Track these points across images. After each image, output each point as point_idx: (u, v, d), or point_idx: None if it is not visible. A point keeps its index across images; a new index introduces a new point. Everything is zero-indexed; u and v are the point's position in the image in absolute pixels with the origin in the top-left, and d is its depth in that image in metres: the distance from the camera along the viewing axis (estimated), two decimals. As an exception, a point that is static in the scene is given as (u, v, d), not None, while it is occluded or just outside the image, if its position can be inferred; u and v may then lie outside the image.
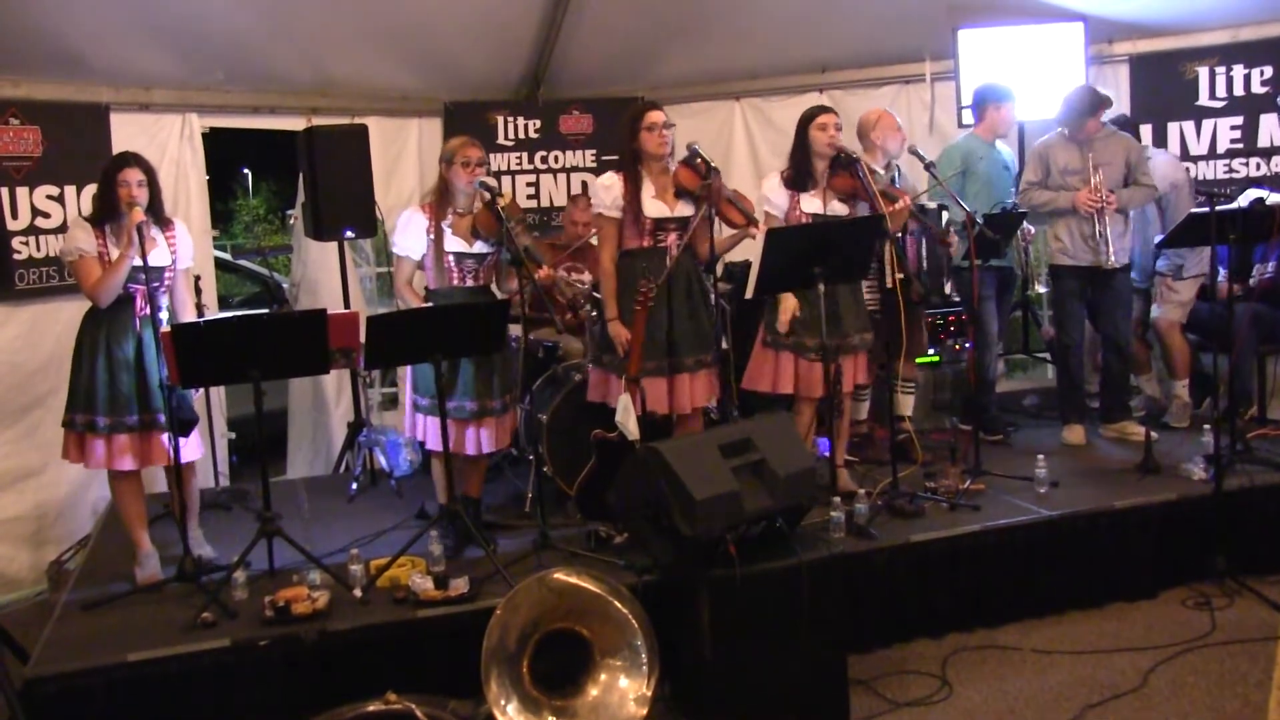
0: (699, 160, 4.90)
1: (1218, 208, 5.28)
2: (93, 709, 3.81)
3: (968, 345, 6.26)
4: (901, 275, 5.26)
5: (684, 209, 4.98)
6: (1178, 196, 6.39)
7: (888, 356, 5.43)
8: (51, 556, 5.75)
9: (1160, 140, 7.03)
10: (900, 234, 5.38)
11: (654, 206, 4.95)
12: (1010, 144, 7.21)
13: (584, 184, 7.38)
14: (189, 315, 4.86)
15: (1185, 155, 7.00)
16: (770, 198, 5.23)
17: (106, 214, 4.61)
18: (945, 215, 5.75)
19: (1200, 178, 6.95)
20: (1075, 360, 6.22)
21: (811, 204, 5.20)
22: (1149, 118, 6.97)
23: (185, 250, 4.83)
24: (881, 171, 5.63)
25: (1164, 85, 6.93)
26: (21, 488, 5.83)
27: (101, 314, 4.63)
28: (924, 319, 5.96)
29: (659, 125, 4.91)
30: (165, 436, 4.59)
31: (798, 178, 5.21)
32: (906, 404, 6.10)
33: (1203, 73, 6.95)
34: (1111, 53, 7.15)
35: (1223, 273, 5.86)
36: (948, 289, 6.01)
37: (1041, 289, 7.04)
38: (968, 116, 6.83)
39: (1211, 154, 6.97)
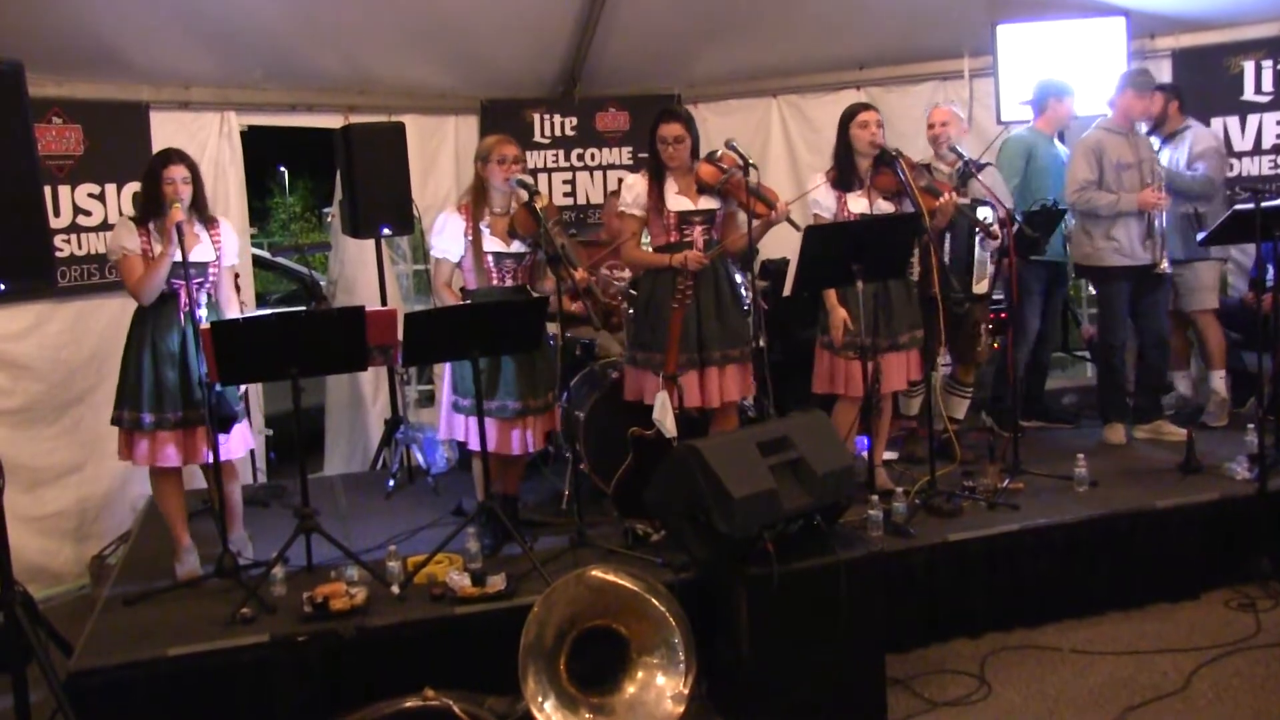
0: (722, 155, 4.93)
1: (1263, 204, 5.20)
2: (135, 702, 3.85)
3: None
4: (921, 270, 5.22)
5: (707, 203, 5.01)
6: (1209, 165, 6.27)
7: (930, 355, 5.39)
8: (93, 551, 5.80)
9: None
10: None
11: (677, 201, 4.98)
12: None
13: (620, 181, 7.39)
14: (234, 312, 4.89)
15: (1230, 151, 6.88)
16: (819, 200, 5.22)
17: (151, 211, 4.66)
18: (979, 211, 5.69)
19: (1244, 174, 6.85)
20: (1120, 360, 6.14)
21: (858, 204, 5.18)
22: (1192, 113, 6.86)
23: (230, 247, 4.87)
24: (945, 168, 5.62)
25: (1208, 80, 6.82)
26: (64, 483, 5.89)
27: (148, 311, 4.68)
28: (982, 323, 5.88)
29: (670, 139, 4.95)
30: (208, 432, 4.62)
31: (843, 178, 5.20)
32: (960, 407, 6.07)
33: (1248, 67, 6.83)
34: (1154, 48, 7.05)
35: (1270, 270, 5.79)
36: (980, 287, 5.94)
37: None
38: (1009, 113, 6.77)
39: (1257, 149, 6.85)
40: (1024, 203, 5.91)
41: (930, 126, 5.82)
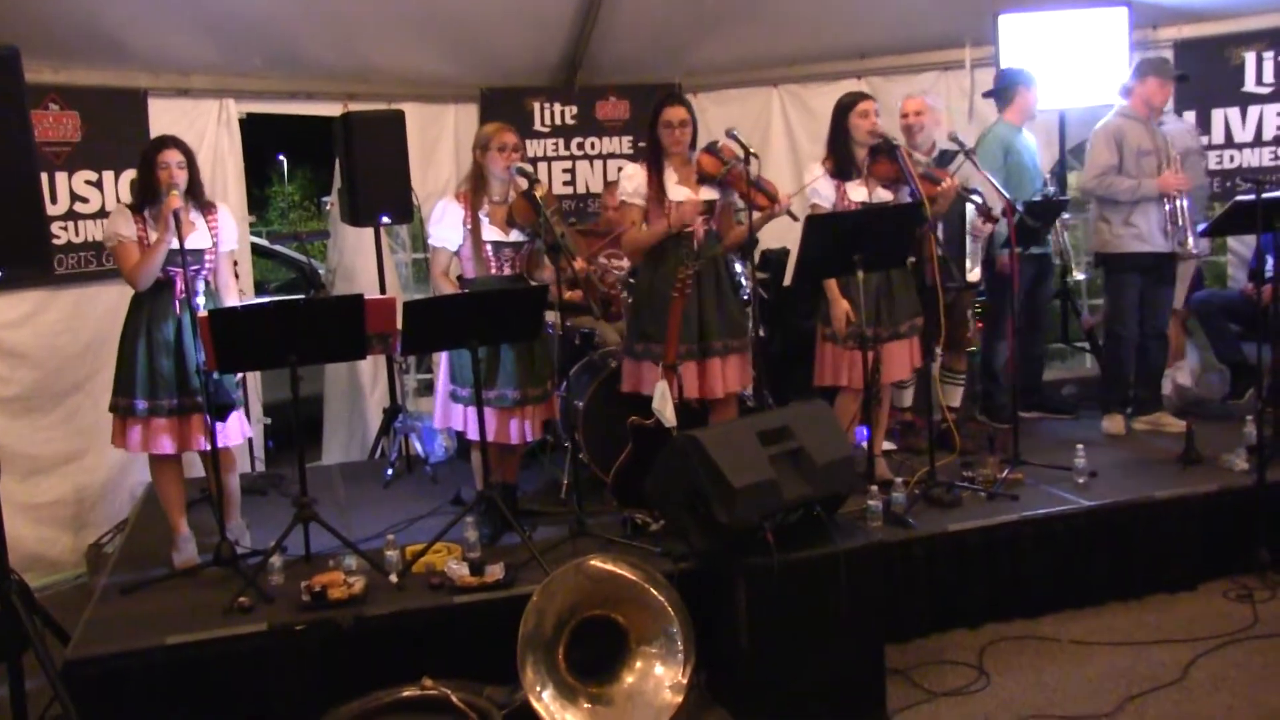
0: (721, 145, 4.92)
1: (1264, 195, 5.18)
2: (131, 691, 3.84)
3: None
4: (913, 259, 5.21)
5: (708, 194, 4.99)
6: (1187, 164, 6.28)
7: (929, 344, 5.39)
8: (91, 540, 5.80)
9: (1204, 128, 6.93)
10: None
11: (678, 192, 4.95)
12: (1051, 131, 7.16)
13: (619, 170, 7.38)
14: (233, 298, 4.87)
15: (1230, 142, 6.90)
16: (819, 190, 5.19)
17: (147, 198, 4.64)
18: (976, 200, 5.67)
19: (1245, 165, 6.84)
20: (1127, 350, 6.12)
21: (858, 193, 5.16)
22: (1193, 104, 6.87)
23: (228, 233, 4.85)
24: (922, 158, 5.61)
25: (1209, 71, 6.81)
26: (62, 472, 5.88)
27: (144, 298, 4.67)
28: (971, 311, 5.88)
29: (675, 123, 4.91)
30: (204, 420, 4.61)
31: (841, 167, 5.17)
32: (954, 395, 6.05)
33: (1249, 58, 6.83)
34: (1156, 38, 7.03)
35: (1270, 261, 5.79)
36: (973, 275, 5.92)
37: (1080, 276, 6.97)
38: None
39: (1258, 141, 6.85)
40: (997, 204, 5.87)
41: (904, 116, 5.80)
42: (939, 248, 5.25)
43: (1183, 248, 5.90)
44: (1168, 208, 5.83)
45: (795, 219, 4.83)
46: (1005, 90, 6.24)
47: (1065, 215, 6.28)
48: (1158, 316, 6.11)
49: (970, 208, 5.54)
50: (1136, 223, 5.88)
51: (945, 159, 5.76)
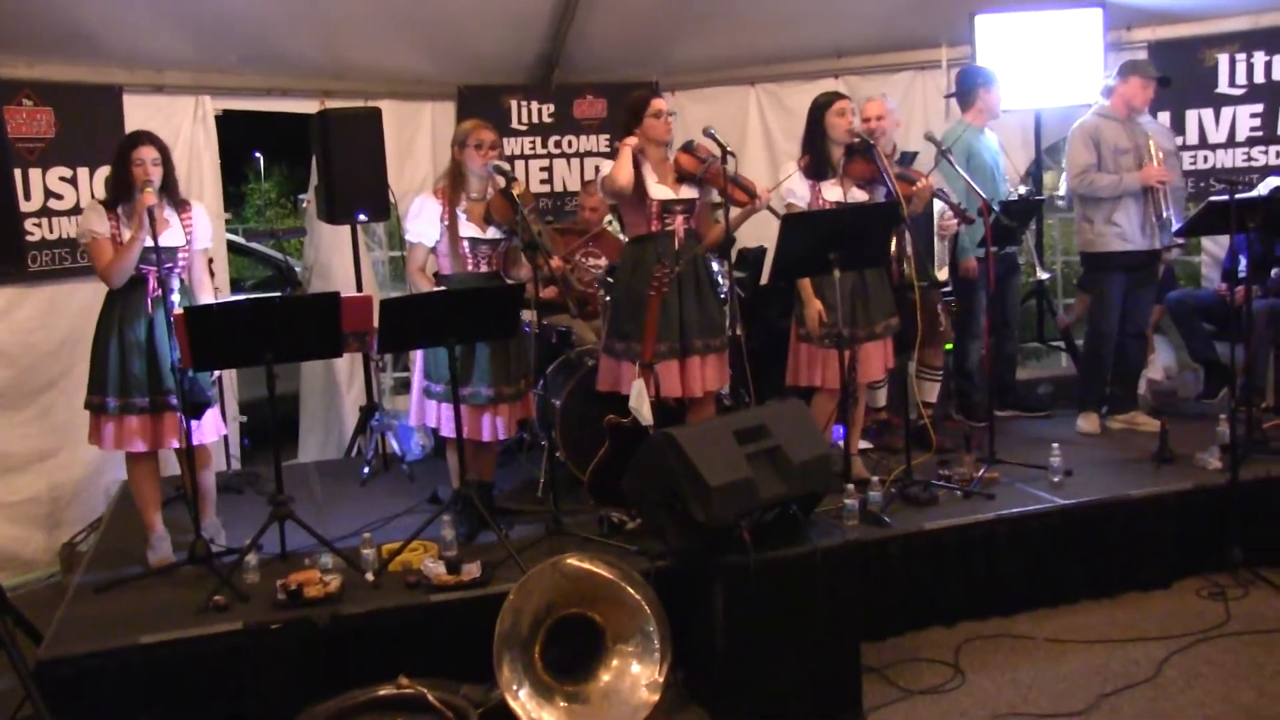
0: (697, 144, 4.93)
1: (1237, 196, 5.22)
2: (105, 691, 3.81)
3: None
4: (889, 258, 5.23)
5: (687, 192, 5.00)
6: (1165, 164, 6.31)
7: (904, 343, 5.40)
8: (65, 538, 5.76)
9: (1179, 129, 6.98)
10: None
11: (659, 190, 4.95)
12: (1026, 131, 7.19)
13: (596, 169, 7.37)
14: (207, 296, 4.84)
15: (1204, 143, 6.96)
16: (794, 189, 5.19)
17: (121, 194, 4.60)
18: (934, 202, 5.67)
19: (1219, 166, 6.89)
20: (1107, 348, 6.15)
21: (833, 192, 5.16)
22: (1167, 105, 6.91)
23: (202, 231, 4.82)
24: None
25: (1183, 72, 6.84)
26: (36, 470, 5.84)
27: (116, 296, 4.63)
28: (942, 306, 5.90)
29: (665, 112, 4.93)
30: (178, 418, 4.58)
31: (816, 167, 5.18)
32: (931, 391, 6.06)
33: (1222, 60, 6.88)
34: (1130, 39, 7.08)
35: (1243, 261, 5.82)
36: (940, 274, 5.94)
37: (1044, 275, 7.01)
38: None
39: (1230, 142, 6.91)
40: (972, 204, 5.88)
41: (865, 120, 5.74)
42: (919, 247, 5.27)
43: (1168, 248, 5.94)
44: (1148, 206, 5.87)
45: (778, 215, 4.84)
46: (967, 92, 6.24)
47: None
48: (1139, 315, 6.15)
49: (939, 206, 5.56)
50: (1119, 221, 5.90)
51: (906, 160, 5.77)
